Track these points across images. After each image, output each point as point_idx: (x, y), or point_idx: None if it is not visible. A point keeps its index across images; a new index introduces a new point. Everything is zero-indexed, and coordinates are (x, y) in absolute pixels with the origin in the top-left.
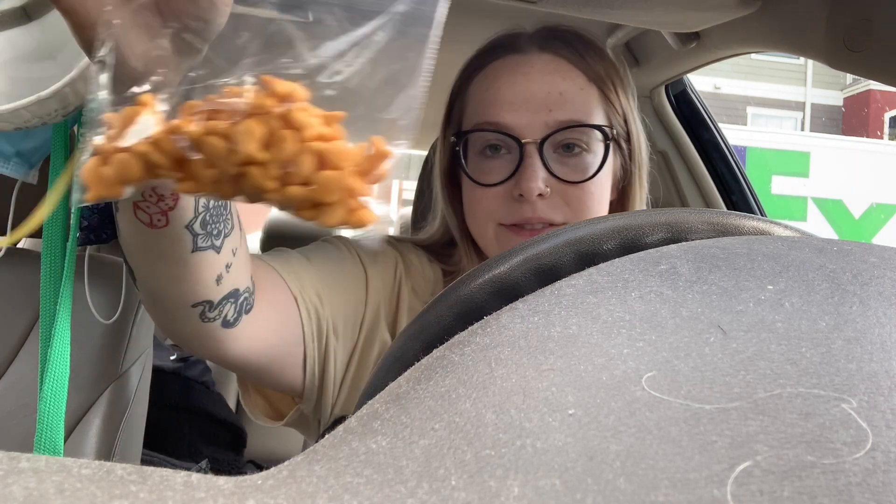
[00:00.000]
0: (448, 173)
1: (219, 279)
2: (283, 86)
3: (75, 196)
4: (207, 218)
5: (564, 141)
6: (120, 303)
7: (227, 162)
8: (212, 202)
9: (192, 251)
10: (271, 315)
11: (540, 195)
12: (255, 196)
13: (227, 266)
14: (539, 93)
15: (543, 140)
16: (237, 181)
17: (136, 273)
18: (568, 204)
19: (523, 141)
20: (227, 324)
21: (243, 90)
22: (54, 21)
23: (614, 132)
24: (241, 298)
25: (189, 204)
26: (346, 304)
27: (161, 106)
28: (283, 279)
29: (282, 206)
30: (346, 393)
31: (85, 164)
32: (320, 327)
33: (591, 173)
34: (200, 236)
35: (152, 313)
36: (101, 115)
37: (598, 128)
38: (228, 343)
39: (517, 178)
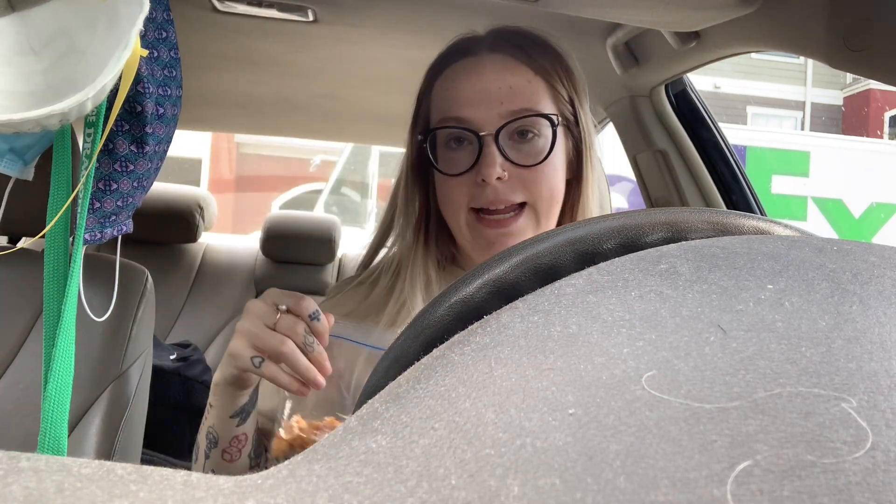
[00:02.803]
0: (416, 169)
1: None
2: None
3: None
4: (252, 452)
5: (518, 128)
6: (112, 301)
7: None
8: (254, 443)
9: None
10: None
11: (499, 179)
12: None
13: None
14: (491, 88)
15: (498, 131)
16: None
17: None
18: (525, 185)
19: (481, 133)
20: None
21: (327, 425)
22: (38, 17)
23: (559, 119)
24: None
25: (247, 447)
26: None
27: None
28: None
29: None
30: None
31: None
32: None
33: (542, 157)
34: (252, 458)
35: None
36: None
37: (546, 116)
38: None
39: (478, 166)
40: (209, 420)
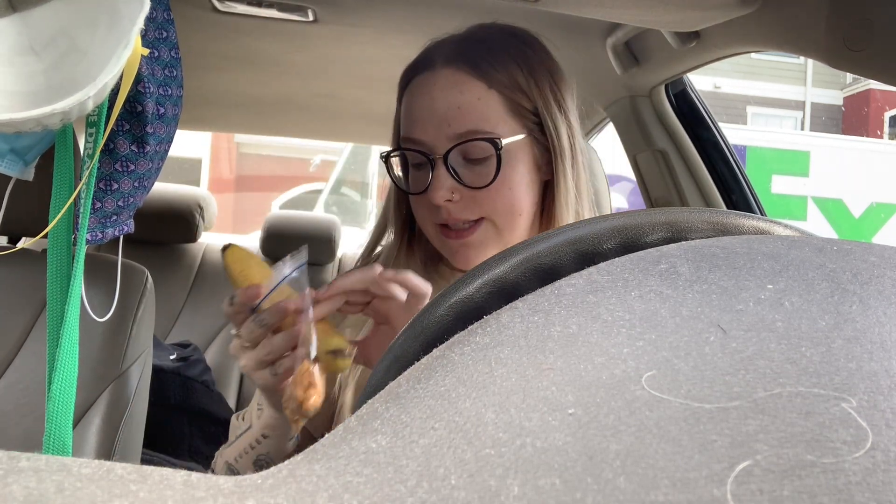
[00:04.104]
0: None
1: None
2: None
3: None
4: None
5: (467, 150)
6: (113, 301)
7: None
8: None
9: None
10: None
11: (449, 200)
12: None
13: None
14: (440, 109)
15: (446, 154)
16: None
17: None
18: (479, 204)
19: (431, 156)
20: None
21: None
22: (39, 17)
23: (502, 142)
24: None
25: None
26: None
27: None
28: None
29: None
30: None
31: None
32: None
33: (490, 179)
34: None
35: None
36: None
37: (490, 140)
38: None
39: (429, 188)
40: (261, 448)
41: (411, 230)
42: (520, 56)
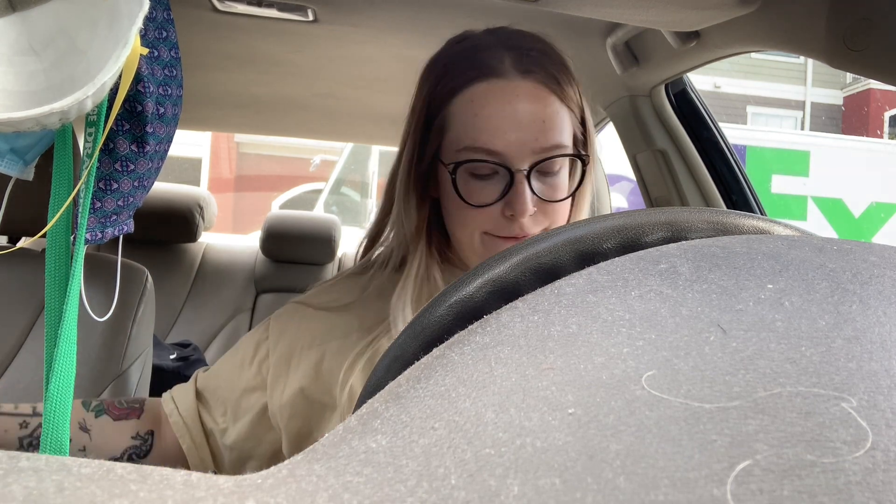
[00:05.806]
0: (418, 175)
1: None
2: None
3: None
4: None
5: (549, 164)
6: (113, 301)
7: None
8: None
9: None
10: (168, 453)
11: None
12: None
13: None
14: (525, 121)
15: (532, 168)
16: None
17: None
18: (547, 216)
19: (514, 169)
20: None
21: None
22: (38, 16)
23: (582, 153)
24: (132, 452)
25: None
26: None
27: None
28: (170, 425)
29: None
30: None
31: None
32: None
33: (566, 191)
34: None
35: None
36: None
37: (578, 156)
38: None
39: (510, 202)
40: None
41: (429, 231)
42: (570, 71)
